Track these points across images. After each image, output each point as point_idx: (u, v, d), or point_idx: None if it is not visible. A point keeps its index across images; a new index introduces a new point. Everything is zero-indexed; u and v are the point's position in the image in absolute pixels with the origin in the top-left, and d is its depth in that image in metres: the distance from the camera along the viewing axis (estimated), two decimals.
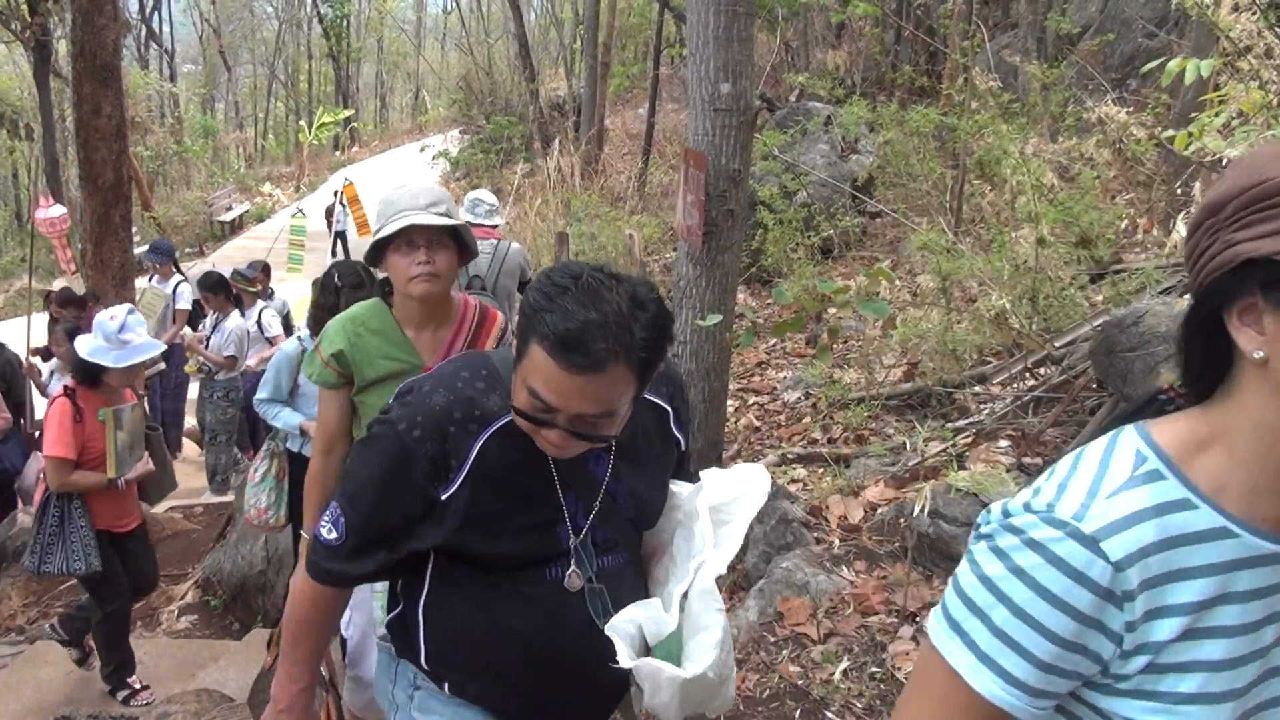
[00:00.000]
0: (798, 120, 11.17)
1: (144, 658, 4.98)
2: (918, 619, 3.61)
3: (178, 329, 8.59)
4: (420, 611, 1.81)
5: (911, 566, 3.84)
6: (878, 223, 10.63)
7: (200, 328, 8.34)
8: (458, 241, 2.70)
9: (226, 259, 18.28)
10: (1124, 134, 6.93)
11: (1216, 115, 4.79)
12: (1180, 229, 5.15)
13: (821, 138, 10.88)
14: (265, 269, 8.99)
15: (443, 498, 1.66)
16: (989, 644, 1.02)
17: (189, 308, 8.73)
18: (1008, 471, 4.29)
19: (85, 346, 4.24)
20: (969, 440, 4.94)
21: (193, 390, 8.78)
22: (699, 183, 4.35)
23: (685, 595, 1.73)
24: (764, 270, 9.47)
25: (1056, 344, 5.41)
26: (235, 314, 7.85)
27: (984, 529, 1.07)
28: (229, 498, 7.57)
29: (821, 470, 5.28)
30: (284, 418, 4.58)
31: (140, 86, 29.89)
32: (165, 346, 6.52)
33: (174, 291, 8.68)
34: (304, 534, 2.86)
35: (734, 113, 4.46)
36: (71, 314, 7.25)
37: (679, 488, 1.93)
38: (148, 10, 37.76)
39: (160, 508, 7.56)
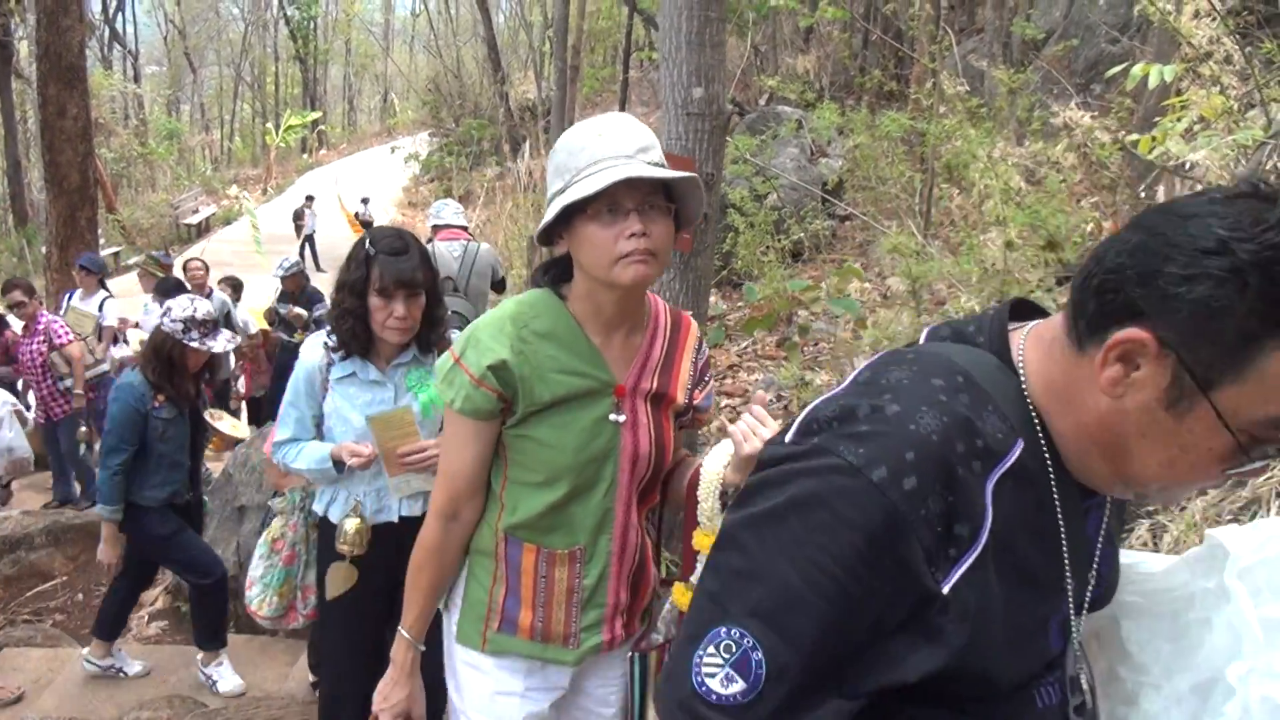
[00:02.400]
0: (768, 124, 11.25)
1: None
2: None
3: (104, 346, 8.26)
4: None
5: None
6: (847, 226, 10.72)
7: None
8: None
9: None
10: (1089, 138, 7.04)
11: (1179, 120, 4.88)
12: None
13: (791, 141, 10.96)
14: (236, 285, 8.99)
15: (945, 590, 1.01)
16: None
17: (114, 325, 8.40)
18: None
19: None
20: None
21: None
22: None
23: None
24: (735, 273, 9.52)
25: None
26: None
27: None
28: None
29: None
30: (310, 456, 2.90)
31: (104, 88, 29.58)
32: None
33: (100, 309, 8.37)
34: (404, 634, 2.04)
35: (707, 117, 4.49)
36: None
37: (1129, 556, 1.33)
38: (111, 11, 37.36)
39: None
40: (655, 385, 1.97)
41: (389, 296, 2.74)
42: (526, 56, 28.85)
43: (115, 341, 8.34)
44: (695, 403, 2.08)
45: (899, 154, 9.23)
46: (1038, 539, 1.09)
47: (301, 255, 18.64)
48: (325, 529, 3.01)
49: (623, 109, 17.24)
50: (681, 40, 4.47)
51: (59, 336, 7.22)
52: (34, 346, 7.19)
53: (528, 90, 24.69)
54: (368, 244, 2.82)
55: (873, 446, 1.01)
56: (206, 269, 8.74)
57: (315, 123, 38.74)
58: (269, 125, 37.43)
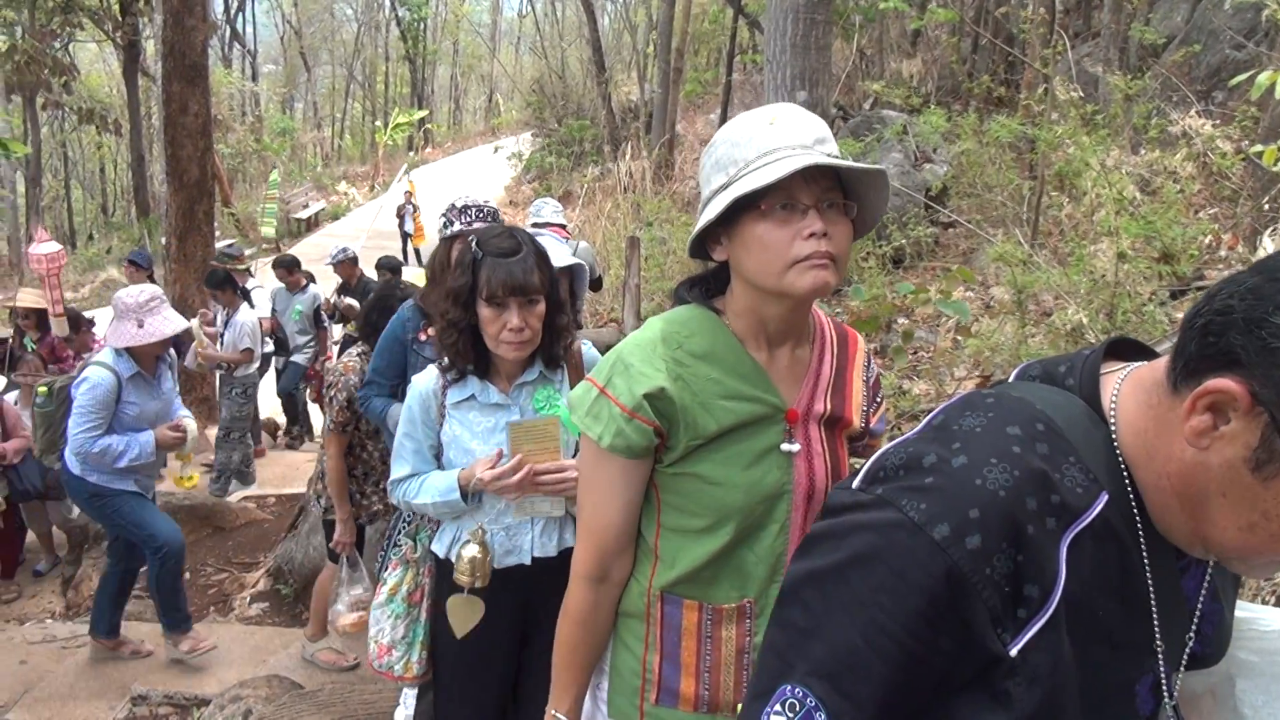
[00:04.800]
0: (873, 128, 11.10)
1: (217, 642, 5.12)
2: None
3: None
4: None
5: None
6: (950, 233, 10.51)
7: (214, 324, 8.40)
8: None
9: (302, 255, 18.66)
10: (1209, 147, 6.78)
11: None
12: (1267, 244, 5.01)
13: (895, 146, 10.79)
14: (353, 259, 9.36)
15: (1012, 652, 0.96)
16: None
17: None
18: None
19: None
20: None
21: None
22: None
23: None
24: None
25: None
26: (245, 307, 7.90)
27: None
28: (254, 490, 7.93)
29: None
30: (434, 488, 2.51)
31: (223, 85, 30.74)
32: None
33: None
34: (560, 717, 1.78)
35: None
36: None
37: (1246, 609, 1.25)
38: (232, 11, 38.79)
39: (234, 497, 7.76)
40: (829, 408, 1.72)
41: (500, 305, 2.37)
42: (630, 58, 28.99)
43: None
44: (870, 426, 1.85)
45: (1007, 161, 9.02)
46: (1122, 599, 1.02)
47: (404, 254, 19.04)
48: (445, 573, 2.60)
49: (725, 112, 17.19)
50: (786, 43, 4.45)
51: None
52: None
53: (630, 92, 24.80)
54: (474, 245, 2.43)
55: (935, 502, 0.97)
56: (294, 269, 9.01)
57: (422, 121, 39.53)
58: (378, 123, 38.38)
